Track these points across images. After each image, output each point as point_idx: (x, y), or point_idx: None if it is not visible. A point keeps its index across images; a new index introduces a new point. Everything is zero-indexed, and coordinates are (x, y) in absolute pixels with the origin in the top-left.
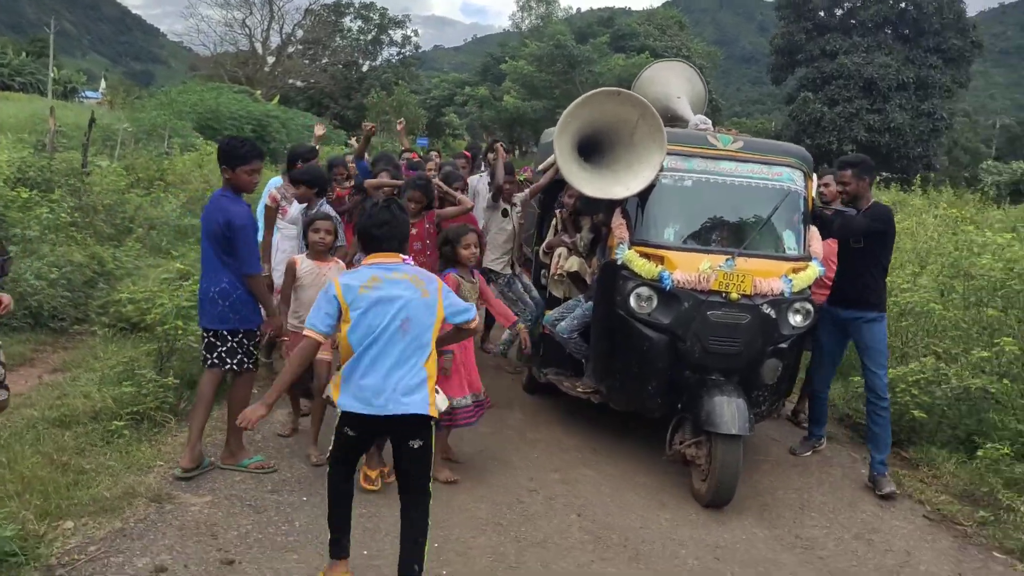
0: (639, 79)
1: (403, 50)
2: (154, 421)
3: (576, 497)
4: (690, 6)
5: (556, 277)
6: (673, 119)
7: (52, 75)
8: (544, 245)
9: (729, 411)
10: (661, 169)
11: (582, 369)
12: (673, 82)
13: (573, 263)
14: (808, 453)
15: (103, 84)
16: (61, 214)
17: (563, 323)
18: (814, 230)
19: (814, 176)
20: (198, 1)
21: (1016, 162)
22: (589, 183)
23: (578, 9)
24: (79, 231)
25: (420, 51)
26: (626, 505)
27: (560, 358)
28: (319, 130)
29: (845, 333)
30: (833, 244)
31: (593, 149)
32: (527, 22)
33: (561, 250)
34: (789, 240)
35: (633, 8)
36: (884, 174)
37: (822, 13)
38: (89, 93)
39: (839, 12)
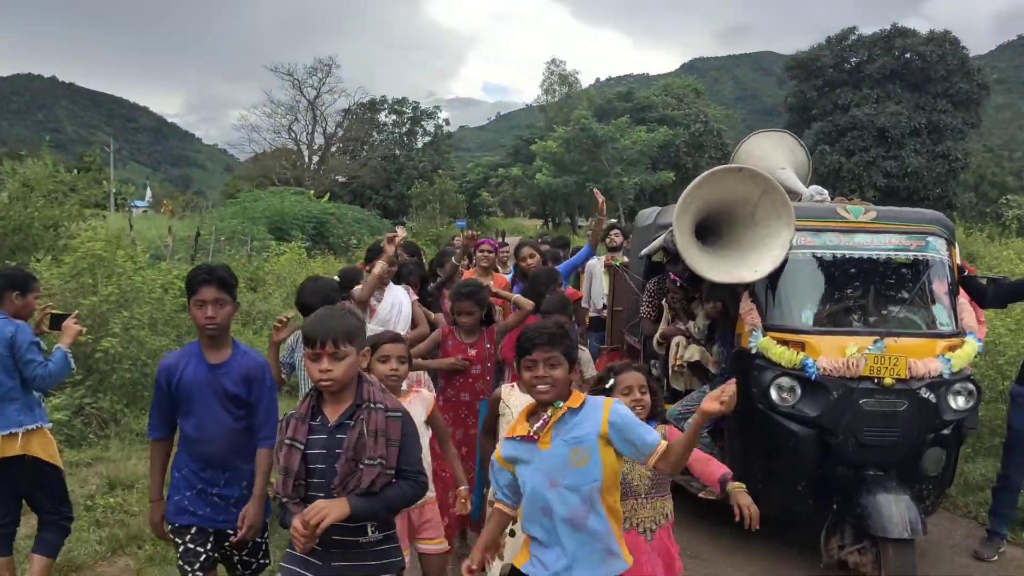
0: (737, 153)
1: (435, 137)
2: None
3: None
4: (706, 67)
5: (676, 368)
6: None
7: (113, 190)
8: (658, 335)
9: (898, 511)
10: (790, 247)
11: None
12: (774, 153)
13: (694, 352)
14: (995, 556)
15: (148, 193)
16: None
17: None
18: (964, 302)
19: (956, 243)
20: (247, 113)
21: None
22: (713, 268)
23: (597, 79)
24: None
25: (450, 135)
26: None
27: None
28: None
29: None
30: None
31: (709, 231)
32: (550, 102)
33: (678, 339)
34: (940, 315)
35: (651, 73)
36: None
37: (831, 70)
38: (138, 202)
39: (847, 67)
